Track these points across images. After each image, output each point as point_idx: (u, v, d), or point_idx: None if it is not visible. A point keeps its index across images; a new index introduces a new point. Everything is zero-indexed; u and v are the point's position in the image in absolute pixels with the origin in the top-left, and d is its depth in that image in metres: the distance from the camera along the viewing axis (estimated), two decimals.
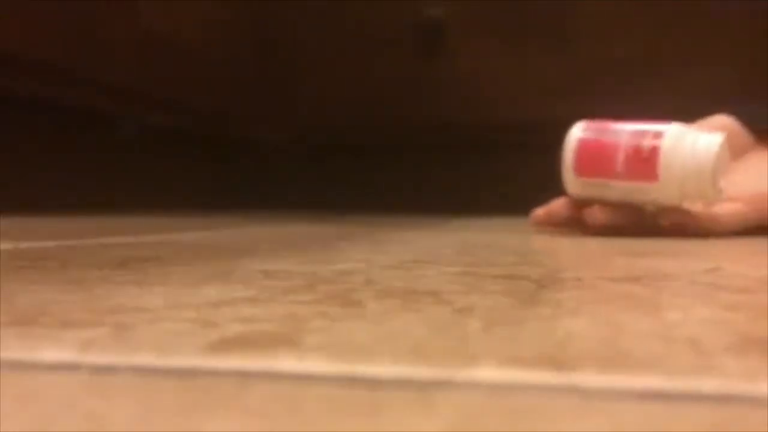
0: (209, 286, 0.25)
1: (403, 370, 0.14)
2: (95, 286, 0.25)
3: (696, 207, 0.57)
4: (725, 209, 0.56)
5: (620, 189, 0.57)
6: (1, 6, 0.92)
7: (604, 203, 0.58)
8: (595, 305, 0.21)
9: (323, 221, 0.84)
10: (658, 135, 0.56)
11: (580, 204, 0.59)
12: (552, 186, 0.61)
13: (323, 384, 0.13)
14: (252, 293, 0.23)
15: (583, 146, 0.59)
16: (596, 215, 0.57)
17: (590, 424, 0.11)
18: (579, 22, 1.39)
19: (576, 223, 0.59)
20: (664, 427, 0.11)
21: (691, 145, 0.55)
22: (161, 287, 0.25)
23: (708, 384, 0.13)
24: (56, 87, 1.02)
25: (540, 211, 0.61)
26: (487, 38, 1.43)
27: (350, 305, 0.21)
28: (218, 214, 1.08)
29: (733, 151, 0.58)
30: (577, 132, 0.60)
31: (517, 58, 1.41)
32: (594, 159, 0.58)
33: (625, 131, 0.58)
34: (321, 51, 1.48)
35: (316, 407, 0.12)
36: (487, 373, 0.14)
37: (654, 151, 0.56)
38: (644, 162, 0.56)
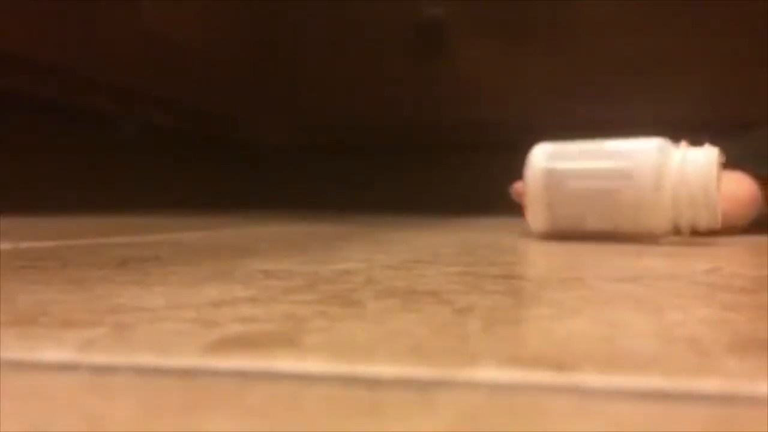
0: (209, 286, 0.25)
1: (403, 370, 0.14)
2: (95, 286, 0.25)
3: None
4: None
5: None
6: (2, 6, 0.92)
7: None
8: (595, 305, 0.21)
9: (323, 221, 0.84)
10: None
11: None
12: None
13: (323, 384, 0.13)
14: (252, 293, 0.23)
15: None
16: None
17: (590, 424, 0.11)
18: (579, 22, 1.39)
19: None
20: (664, 427, 0.11)
21: (679, 167, 0.49)
22: (161, 287, 0.25)
23: (708, 384, 0.13)
24: (56, 87, 1.02)
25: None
26: (487, 38, 1.43)
27: (350, 305, 0.21)
28: (218, 214, 1.08)
29: None
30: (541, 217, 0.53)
31: (517, 58, 1.41)
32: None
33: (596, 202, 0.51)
34: (321, 51, 1.48)
35: (316, 407, 0.12)
36: (487, 373, 0.14)
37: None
38: None
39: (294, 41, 1.48)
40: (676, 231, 0.50)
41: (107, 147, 1.15)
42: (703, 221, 0.49)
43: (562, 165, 0.52)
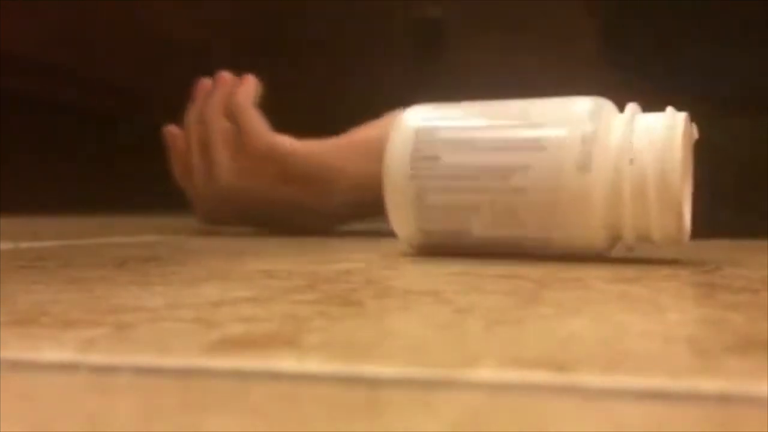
0: (209, 286, 0.25)
1: (403, 370, 0.14)
2: (95, 286, 0.25)
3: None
4: None
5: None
6: (2, 6, 0.92)
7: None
8: (595, 305, 0.21)
9: None
10: None
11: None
12: None
13: (323, 384, 0.13)
14: (252, 293, 0.23)
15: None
16: None
17: (590, 424, 0.11)
18: (579, 21, 1.39)
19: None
20: (664, 427, 0.11)
21: (622, 140, 0.31)
22: (161, 287, 0.25)
23: (708, 384, 0.13)
24: (56, 87, 1.02)
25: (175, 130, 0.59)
26: (487, 38, 1.43)
27: (350, 305, 0.21)
28: None
29: None
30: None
31: (517, 58, 1.41)
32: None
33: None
34: (320, 51, 1.48)
35: (316, 407, 0.12)
36: (488, 373, 0.14)
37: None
38: None
39: (294, 41, 1.48)
40: (617, 239, 0.33)
41: (107, 147, 1.15)
42: (660, 226, 0.31)
43: (443, 133, 0.35)
